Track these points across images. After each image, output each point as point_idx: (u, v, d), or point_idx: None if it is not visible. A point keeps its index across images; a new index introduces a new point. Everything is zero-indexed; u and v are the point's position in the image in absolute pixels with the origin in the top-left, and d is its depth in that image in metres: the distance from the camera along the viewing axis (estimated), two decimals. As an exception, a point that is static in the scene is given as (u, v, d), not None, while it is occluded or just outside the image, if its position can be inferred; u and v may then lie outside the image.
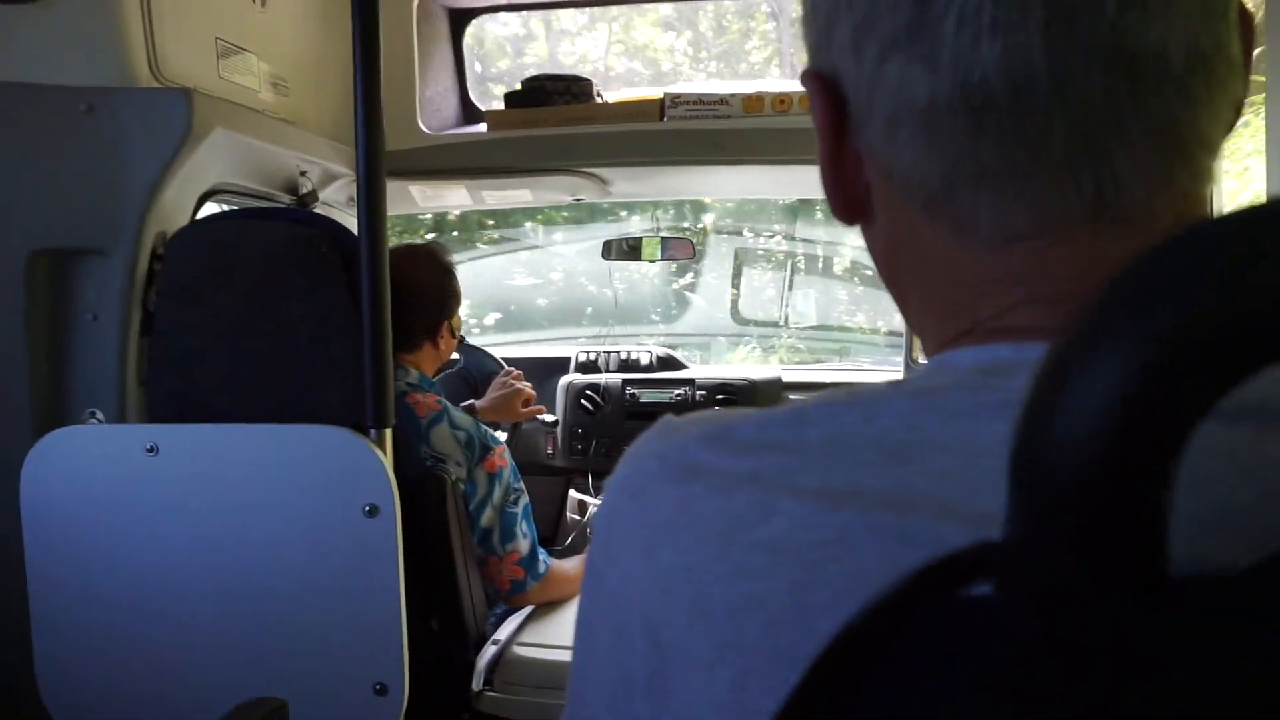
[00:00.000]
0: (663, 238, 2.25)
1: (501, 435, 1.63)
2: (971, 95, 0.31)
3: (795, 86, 1.88)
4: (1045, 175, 0.32)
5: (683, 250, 2.29)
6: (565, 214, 4.44)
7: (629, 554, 0.34)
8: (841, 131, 0.37)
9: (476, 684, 1.44)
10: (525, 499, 1.51)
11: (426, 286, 1.53)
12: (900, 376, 2.11)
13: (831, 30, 0.35)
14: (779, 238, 4.03)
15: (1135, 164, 0.31)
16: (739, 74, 5.74)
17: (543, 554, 1.52)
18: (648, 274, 4.01)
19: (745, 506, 0.31)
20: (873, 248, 0.40)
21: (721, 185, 2.26)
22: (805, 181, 2.15)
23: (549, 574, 1.51)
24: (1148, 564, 0.19)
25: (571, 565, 1.59)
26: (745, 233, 4.11)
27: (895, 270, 0.39)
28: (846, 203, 0.39)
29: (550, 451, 2.39)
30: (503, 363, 2.27)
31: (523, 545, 1.45)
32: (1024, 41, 0.30)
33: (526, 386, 1.99)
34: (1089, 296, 0.20)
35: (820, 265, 3.94)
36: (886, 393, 0.33)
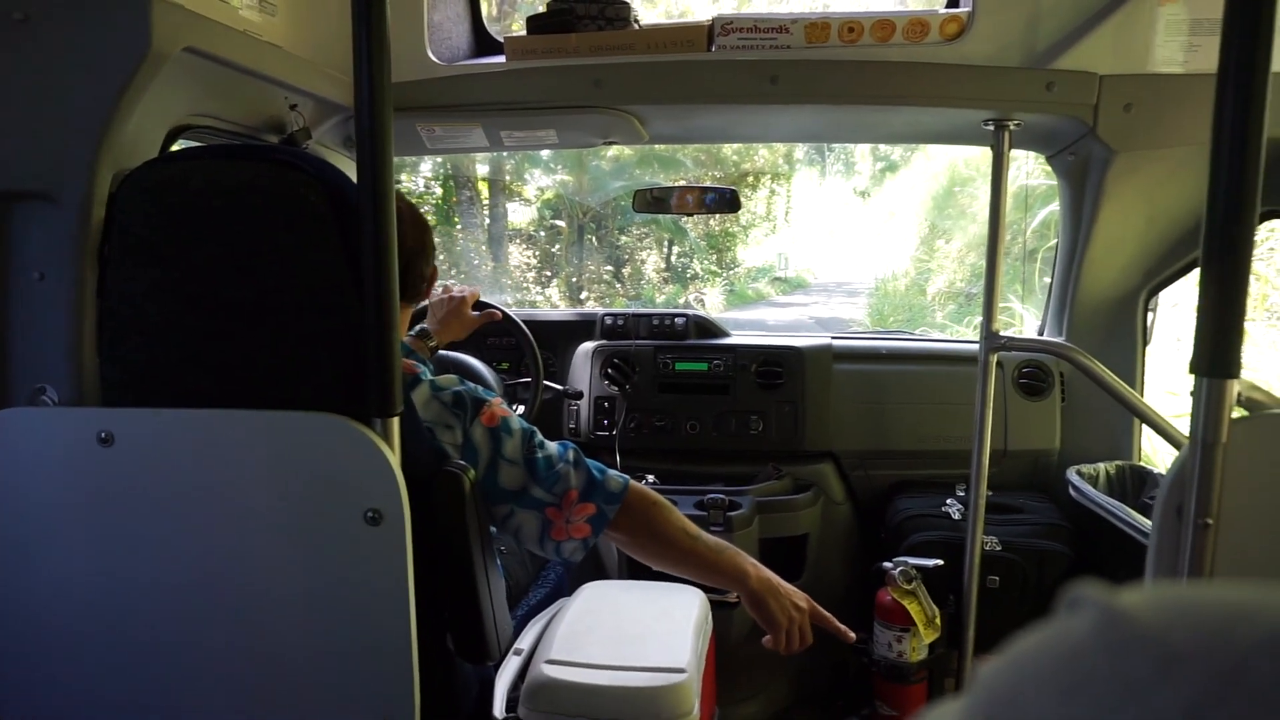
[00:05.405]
0: (701, 188, 2.00)
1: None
2: None
3: (867, 8, 1.61)
4: None
5: (722, 204, 2.03)
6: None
7: None
8: None
9: (499, 710, 1.24)
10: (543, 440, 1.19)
11: (402, 238, 1.18)
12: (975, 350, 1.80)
13: None
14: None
15: None
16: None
17: (600, 470, 1.19)
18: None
19: None
20: None
21: (777, 128, 1.99)
22: (875, 125, 1.88)
23: (628, 495, 1.18)
24: None
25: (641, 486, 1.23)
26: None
27: None
28: None
29: (573, 426, 2.16)
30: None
31: (574, 478, 1.15)
32: None
33: (466, 289, 1.80)
34: None
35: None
36: None
